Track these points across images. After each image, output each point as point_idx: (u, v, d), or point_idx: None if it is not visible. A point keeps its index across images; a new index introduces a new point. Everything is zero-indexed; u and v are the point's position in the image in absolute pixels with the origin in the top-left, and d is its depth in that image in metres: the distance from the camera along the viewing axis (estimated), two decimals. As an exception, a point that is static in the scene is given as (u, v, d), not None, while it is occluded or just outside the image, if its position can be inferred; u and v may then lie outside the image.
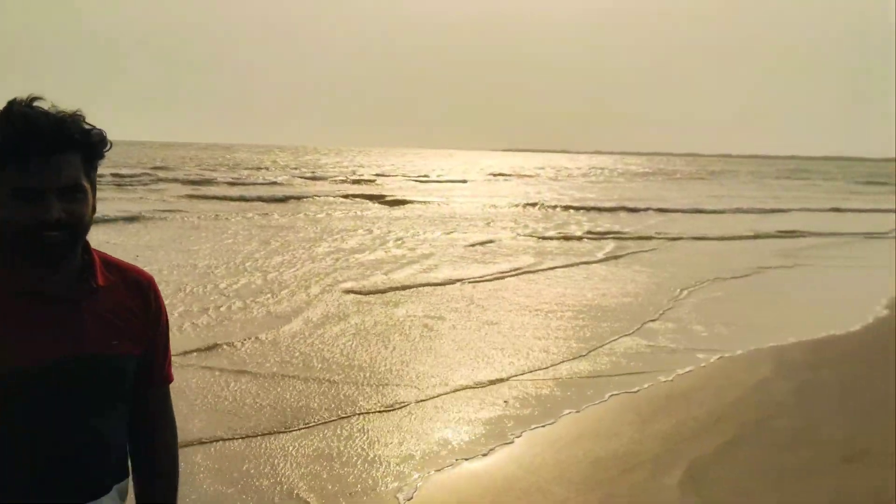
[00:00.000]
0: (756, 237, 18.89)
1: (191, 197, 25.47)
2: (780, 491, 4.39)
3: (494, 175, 55.45)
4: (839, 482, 4.49)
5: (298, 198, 27.32)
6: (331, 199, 27.98)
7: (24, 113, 1.46)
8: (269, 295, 9.47)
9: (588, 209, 26.19)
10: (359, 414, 5.48)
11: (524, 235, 17.58)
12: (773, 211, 28.00)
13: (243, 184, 33.62)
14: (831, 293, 11.60)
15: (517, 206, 27.24)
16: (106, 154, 1.58)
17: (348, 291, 9.92)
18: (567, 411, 5.60)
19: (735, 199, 33.80)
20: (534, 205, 27.23)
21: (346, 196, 29.04)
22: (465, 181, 45.42)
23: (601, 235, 17.93)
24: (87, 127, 1.53)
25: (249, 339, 7.38)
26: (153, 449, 1.77)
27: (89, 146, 1.53)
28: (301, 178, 40.68)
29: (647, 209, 26.59)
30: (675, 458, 4.72)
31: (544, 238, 17.23)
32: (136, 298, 1.67)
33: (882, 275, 13.73)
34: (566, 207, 26.58)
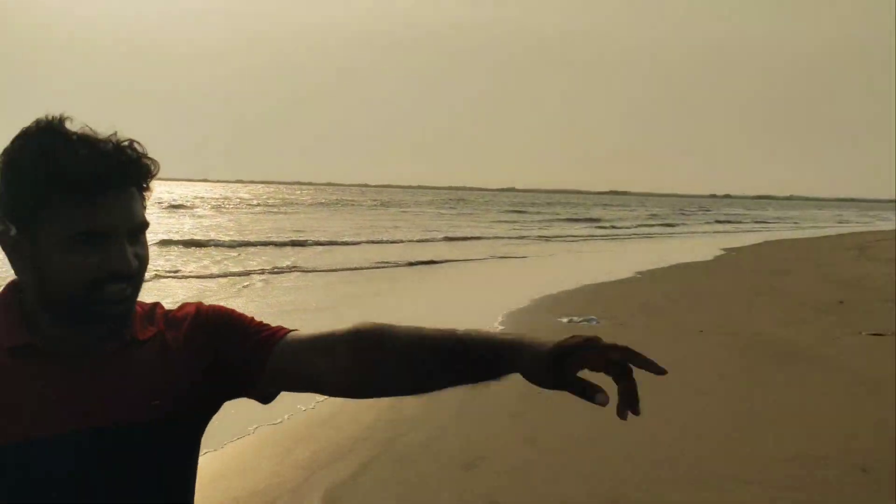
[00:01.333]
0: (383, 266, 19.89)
1: None
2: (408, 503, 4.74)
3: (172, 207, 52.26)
4: (459, 488, 4.96)
5: None
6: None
7: (85, 139, 1.15)
8: None
9: (252, 244, 25.54)
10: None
11: (172, 276, 16.67)
12: (420, 241, 30.10)
13: None
14: (454, 312, 12.83)
15: (179, 242, 24.76)
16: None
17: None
18: (206, 451, 5.46)
19: (387, 230, 35.94)
20: (197, 243, 24.79)
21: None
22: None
23: (249, 272, 17.60)
24: (146, 155, 1.22)
25: None
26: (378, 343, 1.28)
27: (144, 179, 1.22)
28: None
29: (305, 242, 26.98)
30: (312, 487, 4.84)
31: (190, 277, 16.59)
32: (177, 334, 1.29)
33: (496, 293, 15.60)
34: (230, 245, 25.10)
